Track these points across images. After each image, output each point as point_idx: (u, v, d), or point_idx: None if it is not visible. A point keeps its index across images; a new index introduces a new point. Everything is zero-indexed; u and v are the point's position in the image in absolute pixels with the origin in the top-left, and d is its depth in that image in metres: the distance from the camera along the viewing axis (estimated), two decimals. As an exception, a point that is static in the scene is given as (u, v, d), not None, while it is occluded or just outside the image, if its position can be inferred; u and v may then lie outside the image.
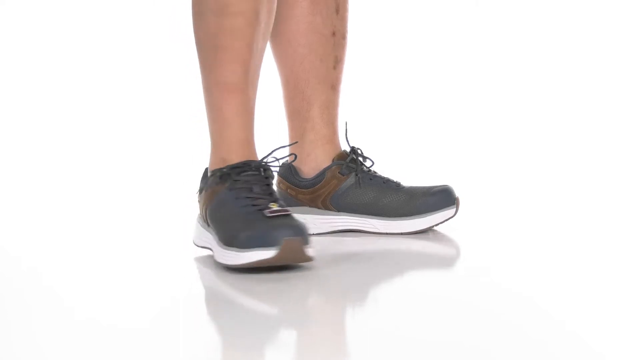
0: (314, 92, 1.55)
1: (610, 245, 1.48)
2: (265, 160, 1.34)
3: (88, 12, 3.01)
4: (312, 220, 1.52)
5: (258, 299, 1.18)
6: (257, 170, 1.32)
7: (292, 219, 1.26)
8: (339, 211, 1.53)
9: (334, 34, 1.55)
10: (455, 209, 1.52)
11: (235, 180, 1.31)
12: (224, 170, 1.32)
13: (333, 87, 1.56)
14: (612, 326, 1.03)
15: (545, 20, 2.90)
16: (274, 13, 1.40)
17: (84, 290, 1.21)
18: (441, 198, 1.51)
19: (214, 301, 1.21)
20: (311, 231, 1.34)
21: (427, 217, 1.51)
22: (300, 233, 1.23)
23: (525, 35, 2.90)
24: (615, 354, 0.94)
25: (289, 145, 1.50)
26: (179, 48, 3.03)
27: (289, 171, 1.54)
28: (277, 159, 1.37)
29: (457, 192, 1.54)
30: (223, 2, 1.33)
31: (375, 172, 1.55)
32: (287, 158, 1.53)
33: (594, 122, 2.70)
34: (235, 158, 1.34)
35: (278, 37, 1.55)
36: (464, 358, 0.93)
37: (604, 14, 2.87)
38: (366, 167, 1.55)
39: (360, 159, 1.54)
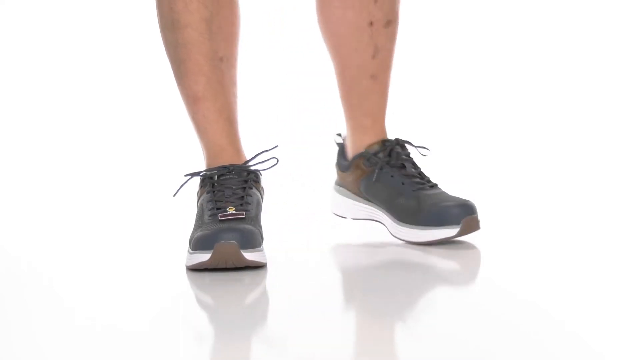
0: (353, 81, 1.55)
1: (611, 246, 1.48)
2: (250, 163, 1.38)
3: (88, 13, 3.01)
4: (348, 205, 1.54)
5: (256, 299, 1.18)
6: (237, 173, 1.35)
7: (239, 222, 1.29)
8: (368, 200, 1.53)
9: (371, 23, 1.52)
10: (458, 230, 1.40)
11: (212, 185, 1.35)
12: (201, 175, 1.37)
13: (373, 76, 1.54)
14: (612, 326, 1.03)
15: (544, 20, 2.90)
16: (238, 19, 1.43)
17: (83, 291, 1.21)
18: (446, 215, 1.41)
19: (214, 301, 1.21)
20: (347, 216, 1.54)
21: (426, 231, 1.42)
22: (237, 238, 1.25)
23: (525, 35, 2.89)
24: (616, 354, 0.94)
25: (270, 150, 1.44)
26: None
27: (340, 153, 1.57)
28: (263, 162, 1.39)
29: (478, 213, 1.42)
30: (172, 17, 1.39)
31: (405, 169, 1.48)
32: (273, 160, 1.44)
33: (595, 122, 2.70)
34: (214, 164, 1.39)
35: (323, 27, 1.56)
36: (464, 358, 0.93)
37: (603, 14, 2.87)
38: (396, 163, 1.49)
39: (397, 152, 1.50)
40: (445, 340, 0.98)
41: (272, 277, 1.25)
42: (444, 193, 1.46)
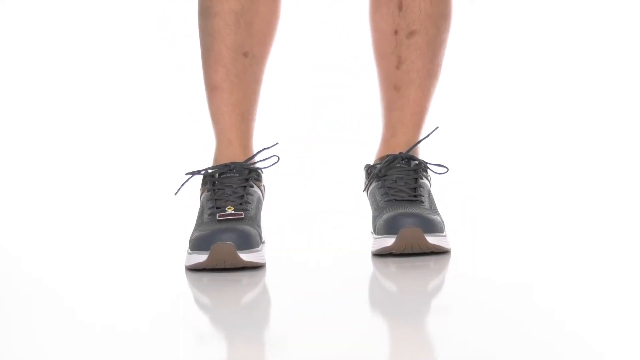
0: (381, 90, 1.52)
1: (611, 246, 1.48)
2: (251, 161, 1.37)
3: (88, 13, 3.01)
4: None
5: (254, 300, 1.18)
6: (238, 172, 1.35)
7: (237, 223, 1.28)
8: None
9: (395, 32, 1.47)
10: (394, 240, 1.32)
11: (213, 183, 1.35)
12: (202, 173, 1.37)
13: (396, 87, 1.49)
14: (612, 326, 1.03)
15: (542, 20, 2.90)
16: (274, 18, 1.41)
17: (83, 291, 1.21)
18: (390, 224, 1.33)
19: (212, 301, 1.20)
20: None
21: (374, 241, 1.37)
22: (234, 239, 1.25)
23: (523, 35, 2.89)
24: (616, 355, 0.94)
25: (271, 147, 1.43)
26: (178, 49, 3.03)
27: None
28: (264, 159, 1.38)
29: (434, 231, 1.33)
30: (205, 4, 1.40)
31: (395, 183, 1.41)
32: (274, 158, 1.43)
33: (592, 122, 2.70)
34: (221, 159, 1.39)
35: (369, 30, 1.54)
36: (463, 358, 0.92)
37: (602, 13, 2.86)
38: (388, 176, 1.41)
39: (396, 167, 1.42)
40: (446, 341, 0.98)
41: (272, 277, 1.24)
42: (415, 206, 1.37)
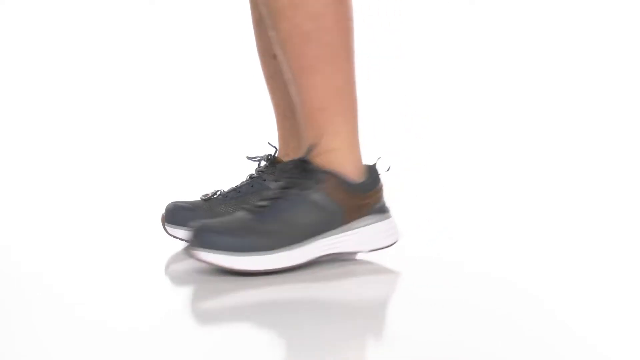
0: None
1: (611, 246, 1.48)
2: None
3: (88, 13, 3.02)
4: None
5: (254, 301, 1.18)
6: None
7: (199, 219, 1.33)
8: None
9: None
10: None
11: None
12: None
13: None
14: (613, 326, 1.03)
15: (541, 19, 2.90)
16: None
17: (82, 291, 1.21)
18: None
19: (211, 302, 1.21)
20: None
21: None
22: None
23: (522, 34, 2.90)
24: (617, 355, 0.94)
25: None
26: (179, 49, 3.03)
27: None
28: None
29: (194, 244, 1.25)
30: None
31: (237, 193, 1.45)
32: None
33: (590, 122, 2.71)
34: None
35: None
36: (463, 358, 0.93)
37: (601, 13, 2.87)
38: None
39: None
40: (447, 341, 0.98)
41: (271, 277, 1.24)
42: (226, 214, 1.41)
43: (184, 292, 1.24)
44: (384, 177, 1.35)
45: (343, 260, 1.33)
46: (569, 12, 2.87)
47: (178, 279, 1.30)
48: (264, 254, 1.23)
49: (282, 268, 1.24)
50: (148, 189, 2.15)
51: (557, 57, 2.86)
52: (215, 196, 1.47)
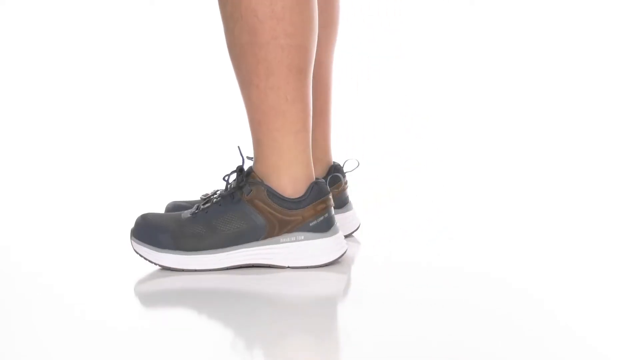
0: None
1: (611, 246, 1.48)
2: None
3: (88, 13, 3.02)
4: None
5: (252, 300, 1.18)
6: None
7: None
8: None
9: None
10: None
11: None
12: None
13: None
14: (612, 326, 1.03)
15: (541, 19, 2.90)
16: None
17: (82, 290, 1.21)
18: None
19: (210, 302, 1.21)
20: None
21: None
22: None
23: (522, 34, 2.90)
24: (616, 355, 0.94)
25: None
26: (179, 49, 3.03)
27: None
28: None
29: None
30: None
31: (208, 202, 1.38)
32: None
33: (590, 122, 2.70)
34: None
35: None
36: (463, 358, 0.93)
37: (601, 13, 2.87)
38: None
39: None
40: (447, 341, 0.98)
41: (270, 278, 1.24)
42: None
43: (184, 292, 1.24)
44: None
45: (343, 260, 1.33)
46: (569, 12, 2.87)
47: (178, 279, 1.30)
48: (188, 254, 1.29)
49: (206, 269, 1.29)
50: (148, 189, 2.15)
51: (557, 57, 2.86)
52: (215, 196, 1.46)
